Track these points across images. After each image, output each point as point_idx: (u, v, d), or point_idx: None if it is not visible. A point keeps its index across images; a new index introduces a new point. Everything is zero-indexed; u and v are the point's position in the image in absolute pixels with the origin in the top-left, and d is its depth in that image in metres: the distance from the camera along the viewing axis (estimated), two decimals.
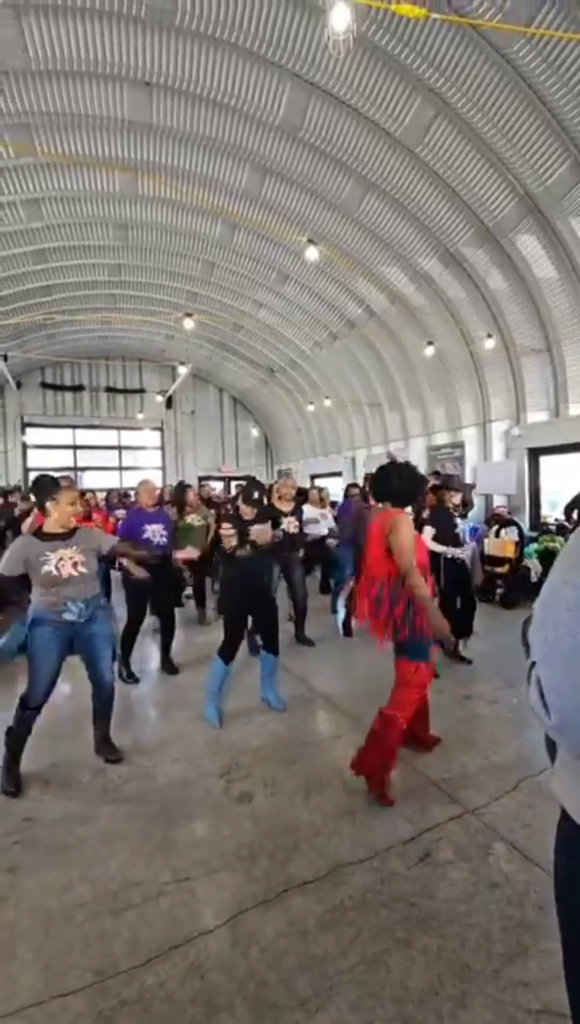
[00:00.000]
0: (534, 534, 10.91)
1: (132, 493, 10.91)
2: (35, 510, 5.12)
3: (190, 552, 4.68)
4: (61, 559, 4.06)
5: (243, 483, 5.70)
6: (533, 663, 1.22)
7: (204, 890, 2.95)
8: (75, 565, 4.08)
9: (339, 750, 4.63)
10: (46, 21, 7.89)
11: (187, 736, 4.88)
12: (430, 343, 12.78)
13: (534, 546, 10.17)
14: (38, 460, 22.63)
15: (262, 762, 4.37)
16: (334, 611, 9.63)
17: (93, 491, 12.02)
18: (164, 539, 6.44)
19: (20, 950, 2.59)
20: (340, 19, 5.44)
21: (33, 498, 4.68)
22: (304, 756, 4.47)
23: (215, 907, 2.82)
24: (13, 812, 3.74)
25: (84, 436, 23.64)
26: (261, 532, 5.11)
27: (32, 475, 22.10)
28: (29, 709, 4.09)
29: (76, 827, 3.54)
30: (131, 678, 6.32)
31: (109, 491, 13.53)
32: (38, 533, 4.21)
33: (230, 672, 5.25)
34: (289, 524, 7.09)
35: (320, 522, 10.09)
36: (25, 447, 22.30)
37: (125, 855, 3.24)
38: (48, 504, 4.18)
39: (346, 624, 8.09)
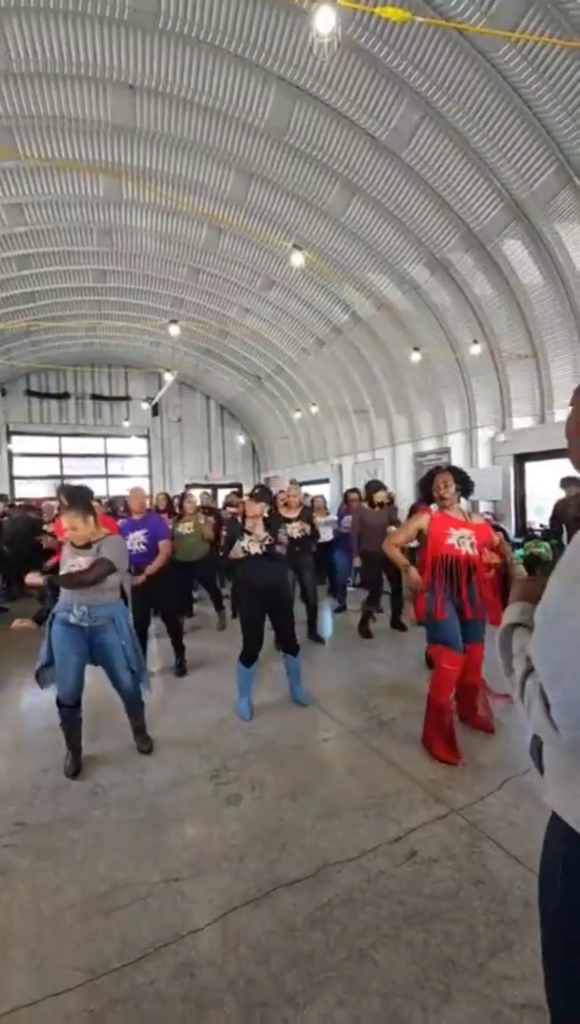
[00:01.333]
0: (519, 540, 10.99)
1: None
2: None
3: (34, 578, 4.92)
4: (74, 564, 4.26)
5: (233, 490, 5.86)
6: (524, 674, 1.24)
7: (193, 890, 2.97)
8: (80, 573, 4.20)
9: (326, 753, 4.66)
10: (28, 23, 7.87)
11: (175, 740, 4.90)
12: (416, 349, 12.80)
13: (519, 551, 10.23)
14: (24, 468, 22.55)
15: (250, 765, 4.40)
16: (339, 611, 9.89)
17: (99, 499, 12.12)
18: (143, 547, 6.46)
19: (12, 951, 2.61)
20: (324, 22, 5.44)
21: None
22: (292, 759, 4.49)
23: (204, 907, 2.85)
24: (4, 816, 3.75)
25: (70, 444, 23.49)
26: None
27: (18, 484, 22.04)
28: (62, 706, 4.33)
29: (66, 831, 3.56)
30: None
31: (113, 499, 13.59)
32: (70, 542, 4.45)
33: (255, 671, 5.44)
34: (293, 529, 7.19)
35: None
36: (11, 455, 22.20)
37: (115, 857, 3.26)
38: (80, 516, 4.34)
39: (363, 625, 8.26)
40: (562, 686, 1.06)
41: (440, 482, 4.69)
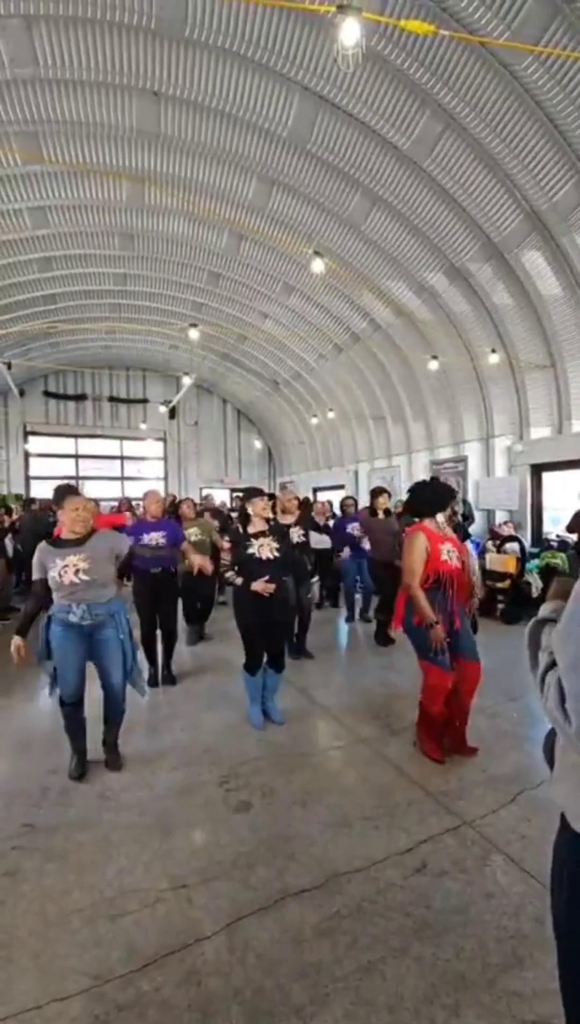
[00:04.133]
0: (535, 550, 10.92)
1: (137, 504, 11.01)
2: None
3: (202, 560, 5.14)
4: (65, 566, 4.17)
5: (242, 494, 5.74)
6: (546, 668, 1.24)
7: (201, 897, 2.96)
8: (76, 572, 4.18)
9: (337, 761, 4.64)
10: (56, 31, 7.94)
11: (185, 746, 4.90)
12: (434, 357, 12.77)
13: (535, 562, 10.17)
14: (40, 469, 22.66)
15: (260, 772, 4.38)
16: (349, 620, 9.66)
17: (96, 500, 12.19)
18: (163, 543, 6.45)
19: (18, 954, 2.60)
20: (349, 34, 5.48)
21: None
22: (302, 767, 4.47)
23: (212, 914, 2.83)
24: (12, 818, 3.75)
25: (86, 445, 23.57)
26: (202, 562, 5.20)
27: (33, 484, 22.15)
28: (65, 705, 4.33)
29: (74, 834, 3.55)
30: (155, 683, 6.49)
31: (120, 500, 13.63)
32: (55, 540, 4.39)
33: (261, 678, 5.34)
34: (293, 534, 7.11)
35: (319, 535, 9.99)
36: (27, 455, 22.31)
37: (123, 862, 3.26)
38: (59, 513, 4.41)
39: (379, 633, 8.19)
40: (577, 674, 1.06)
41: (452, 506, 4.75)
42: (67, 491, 4.51)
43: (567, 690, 1.11)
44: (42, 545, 4.31)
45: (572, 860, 1.30)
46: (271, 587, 5.08)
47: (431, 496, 4.75)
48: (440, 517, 4.86)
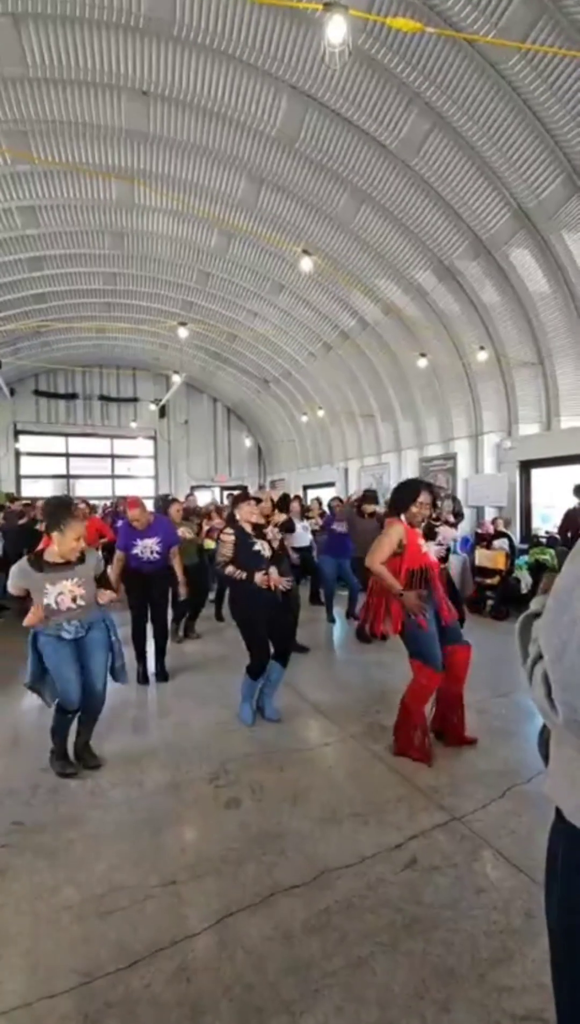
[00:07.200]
0: (525, 546, 10.95)
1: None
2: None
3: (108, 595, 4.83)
4: (61, 593, 4.10)
5: (236, 492, 5.74)
6: (535, 661, 1.24)
7: (191, 894, 2.95)
8: (74, 599, 4.14)
9: (327, 757, 4.65)
10: (44, 29, 7.92)
11: (175, 742, 4.89)
12: (423, 355, 12.81)
13: (524, 558, 10.20)
14: (31, 467, 22.62)
15: (250, 769, 4.38)
16: (331, 620, 9.55)
17: (86, 500, 12.19)
18: (156, 555, 6.40)
19: (7, 952, 2.59)
20: (336, 32, 5.50)
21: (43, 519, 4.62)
22: (292, 763, 4.47)
23: (201, 911, 2.83)
24: (2, 816, 3.74)
25: (77, 444, 23.60)
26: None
27: (24, 483, 22.09)
28: (69, 714, 4.27)
29: (64, 831, 3.54)
30: (145, 680, 6.50)
31: (114, 501, 13.54)
32: (38, 562, 4.16)
33: (259, 683, 5.31)
34: (269, 533, 7.14)
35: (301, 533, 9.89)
36: (18, 454, 22.26)
37: (112, 859, 3.25)
38: (55, 533, 4.14)
39: (360, 630, 8.18)
40: (562, 664, 1.07)
41: (426, 502, 4.65)
42: (66, 511, 4.21)
43: (553, 681, 1.10)
44: (23, 566, 4.12)
45: (565, 855, 1.30)
46: (282, 581, 5.19)
47: (401, 492, 4.77)
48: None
